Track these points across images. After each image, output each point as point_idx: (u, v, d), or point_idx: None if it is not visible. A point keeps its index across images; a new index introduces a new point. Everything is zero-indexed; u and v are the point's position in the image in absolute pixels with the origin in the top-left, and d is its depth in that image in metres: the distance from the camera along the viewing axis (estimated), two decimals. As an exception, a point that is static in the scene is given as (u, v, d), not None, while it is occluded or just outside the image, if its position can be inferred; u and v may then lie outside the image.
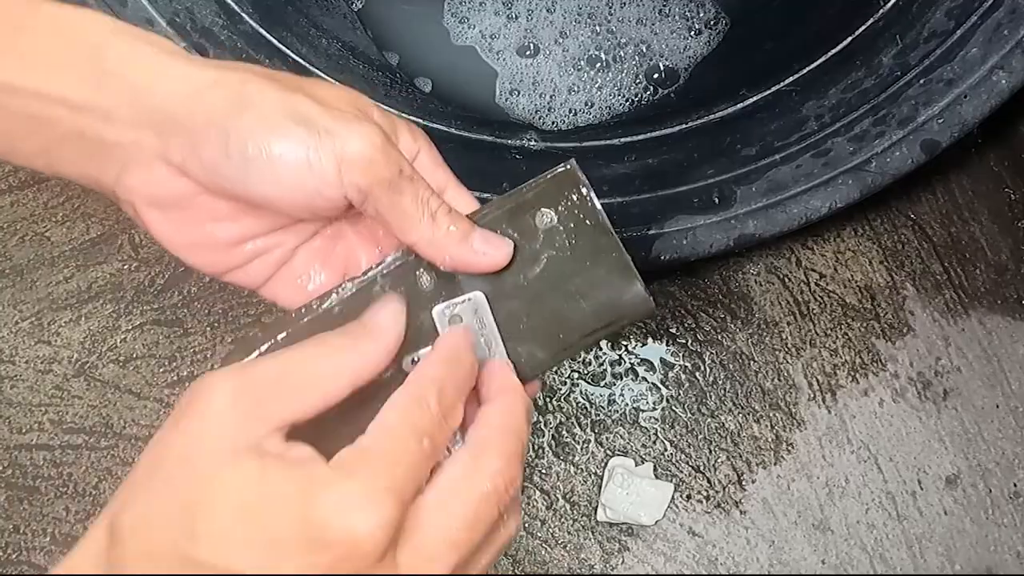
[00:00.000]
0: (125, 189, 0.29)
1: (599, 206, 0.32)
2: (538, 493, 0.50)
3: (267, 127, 0.27)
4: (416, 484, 0.25)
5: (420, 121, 0.57)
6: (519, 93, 0.61)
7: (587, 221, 0.32)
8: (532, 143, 0.58)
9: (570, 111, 0.60)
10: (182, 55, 0.29)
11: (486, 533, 0.26)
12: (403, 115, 0.56)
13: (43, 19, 0.28)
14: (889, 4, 0.54)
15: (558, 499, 0.50)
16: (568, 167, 0.33)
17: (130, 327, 0.54)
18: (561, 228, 0.32)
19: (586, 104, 0.61)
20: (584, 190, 0.33)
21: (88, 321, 0.54)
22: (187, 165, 0.28)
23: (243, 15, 0.54)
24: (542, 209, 0.33)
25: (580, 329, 0.32)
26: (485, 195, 0.53)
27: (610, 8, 0.64)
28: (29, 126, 0.28)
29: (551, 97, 0.61)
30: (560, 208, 0.33)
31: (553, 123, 0.60)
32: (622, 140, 0.57)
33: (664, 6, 0.64)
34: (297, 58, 0.55)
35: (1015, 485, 0.51)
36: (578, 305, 0.32)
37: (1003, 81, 0.49)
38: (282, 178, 0.28)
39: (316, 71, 0.55)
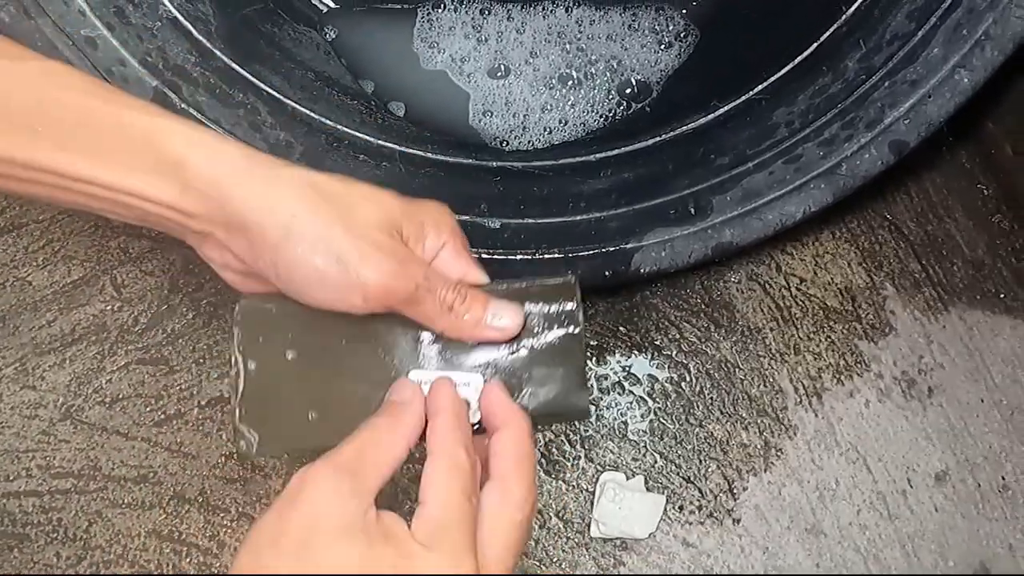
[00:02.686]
0: (203, 256, 0.37)
1: (583, 320, 0.38)
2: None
3: (308, 264, 0.34)
4: (474, 531, 0.31)
5: (396, 147, 0.57)
6: (492, 114, 0.61)
7: (568, 329, 0.38)
8: (508, 164, 0.58)
9: (544, 129, 0.61)
10: (245, 167, 0.35)
11: (521, 550, 0.32)
12: (379, 141, 0.57)
13: (126, 127, 0.34)
14: (852, 9, 0.55)
15: (551, 517, 0.50)
16: (571, 280, 0.39)
17: (115, 368, 0.54)
18: (545, 324, 0.38)
19: (560, 122, 0.61)
20: (576, 303, 0.38)
21: (73, 364, 0.54)
22: (247, 262, 0.35)
23: (215, 51, 0.55)
24: (537, 304, 0.38)
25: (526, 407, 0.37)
26: (463, 217, 0.54)
27: (579, 26, 0.65)
28: (117, 209, 0.35)
29: (524, 117, 0.61)
30: (551, 310, 0.38)
31: (528, 142, 0.60)
32: (597, 156, 0.58)
33: (633, 21, 0.65)
34: (272, 91, 0.56)
35: (1003, 478, 0.51)
36: (531, 390, 0.38)
37: (965, 80, 0.50)
38: (320, 300, 0.35)
39: (290, 102, 0.56)
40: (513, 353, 0.38)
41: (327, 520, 0.29)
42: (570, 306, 0.38)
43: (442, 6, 0.65)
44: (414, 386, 0.36)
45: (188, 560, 0.48)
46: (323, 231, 0.34)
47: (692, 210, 0.53)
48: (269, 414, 0.36)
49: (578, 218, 0.54)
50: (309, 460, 0.31)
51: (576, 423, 0.52)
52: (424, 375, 0.37)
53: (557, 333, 0.38)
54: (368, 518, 0.30)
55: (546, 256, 0.53)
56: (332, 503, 0.30)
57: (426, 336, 0.37)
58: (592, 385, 0.54)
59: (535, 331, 0.38)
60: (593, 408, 0.53)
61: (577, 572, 0.48)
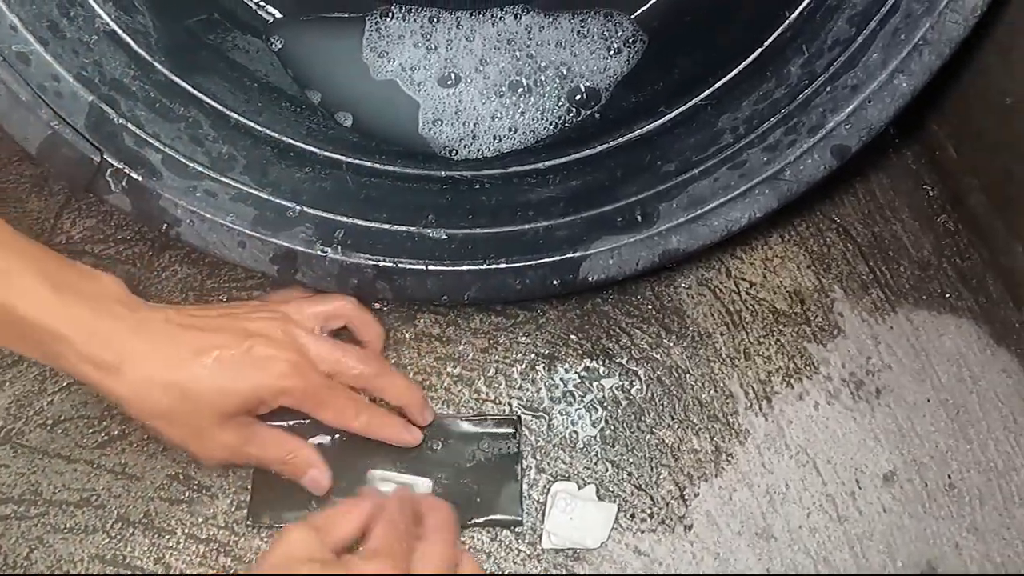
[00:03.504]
0: None
1: (520, 447, 0.51)
2: (480, 526, 0.49)
3: (205, 423, 0.45)
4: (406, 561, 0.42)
5: (343, 157, 0.57)
6: (442, 123, 0.61)
7: (508, 451, 0.51)
8: (457, 173, 0.58)
9: (494, 138, 0.61)
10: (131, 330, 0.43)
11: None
12: (325, 152, 0.56)
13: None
14: (795, 15, 0.55)
15: (502, 530, 0.49)
16: (517, 416, 0.52)
17: (56, 389, 0.53)
18: (489, 446, 0.51)
19: (510, 130, 0.61)
20: (516, 431, 0.51)
21: (12, 386, 0.53)
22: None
23: (155, 64, 0.54)
24: (484, 428, 0.51)
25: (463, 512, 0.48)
26: (410, 228, 0.53)
27: (529, 33, 0.64)
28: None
29: (475, 125, 0.61)
30: (495, 433, 0.51)
31: (478, 151, 0.60)
32: (546, 163, 0.58)
33: (582, 27, 0.64)
34: (214, 103, 0.55)
35: (949, 477, 0.51)
36: (473, 497, 0.49)
37: (904, 84, 0.50)
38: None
39: (234, 114, 0.55)
40: (463, 465, 0.50)
41: (296, 554, 0.39)
42: (510, 430, 0.51)
43: (391, 15, 0.64)
44: (376, 488, 0.49)
45: (133, 584, 0.47)
46: (217, 392, 0.44)
47: (639, 217, 0.53)
48: (279, 504, 0.49)
49: (526, 227, 0.54)
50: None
51: (521, 449, 0.52)
52: (387, 475, 0.50)
53: (500, 454, 0.50)
54: (328, 556, 0.40)
55: (493, 266, 0.52)
56: (300, 546, 0.40)
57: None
58: (543, 396, 0.53)
59: (482, 450, 0.51)
60: (545, 418, 0.53)
61: (529, 584, 0.48)
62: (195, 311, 0.47)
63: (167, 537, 0.49)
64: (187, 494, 0.50)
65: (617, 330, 0.56)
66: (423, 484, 0.49)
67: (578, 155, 0.58)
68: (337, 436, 0.50)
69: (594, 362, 0.55)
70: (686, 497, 0.51)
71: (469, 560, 0.45)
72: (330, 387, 0.47)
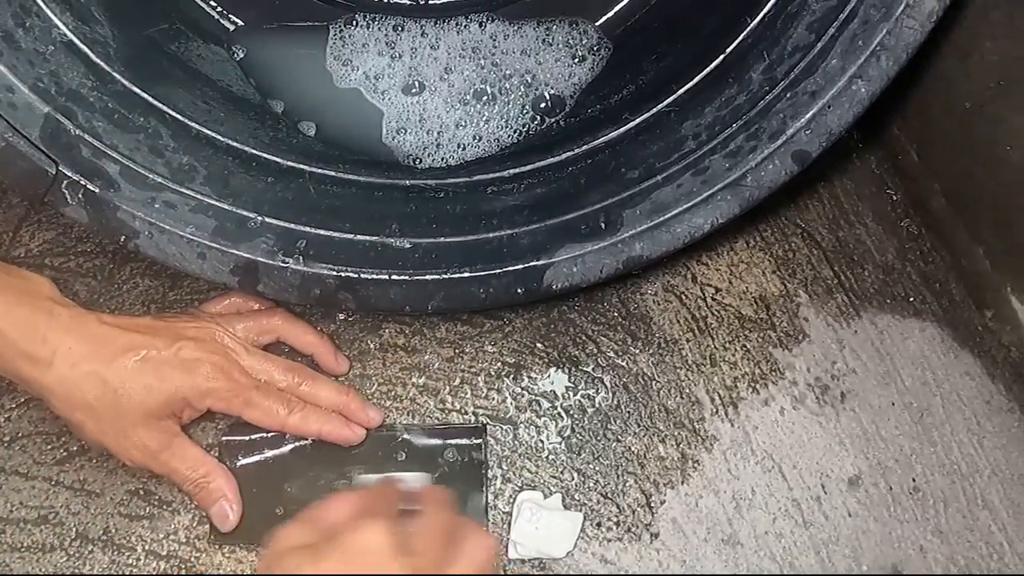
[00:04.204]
0: None
1: (485, 456, 0.51)
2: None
3: (127, 421, 0.45)
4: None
5: (306, 167, 0.56)
6: (406, 131, 0.61)
7: (473, 460, 0.51)
8: (421, 181, 0.57)
9: (458, 146, 0.60)
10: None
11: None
12: (288, 162, 0.56)
13: None
14: (756, 21, 0.55)
15: (467, 540, 0.49)
16: (482, 425, 0.52)
17: (14, 405, 0.52)
18: (455, 455, 0.51)
19: (474, 138, 0.61)
20: (482, 441, 0.51)
21: (-31, 402, 0.52)
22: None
23: (113, 74, 0.53)
24: (451, 439, 0.51)
25: None
26: (373, 238, 0.53)
27: (494, 41, 0.64)
28: None
29: (439, 133, 0.61)
30: (461, 443, 0.51)
31: (442, 159, 0.60)
32: (511, 171, 0.58)
33: (547, 35, 0.64)
34: (174, 113, 0.54)
35: (914, 480, 0.52)
36: None
37: (862, 89, 0.50)
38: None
39: (195, 124, 0.54)
40: (428, 475, 0.50)
41: (288, 543, 0.39)
42: (476, 440, 0.51)
43: (354, 23, 0.64)
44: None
45: (91, 603, 0.47)
46: (143, 386, 0.45)
47: (603, 224, 0.53)
48: (242, 518, 0.48)
49: (490, 235, 0.54)
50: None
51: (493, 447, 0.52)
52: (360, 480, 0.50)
53: (465, 463, 0.50)
54: (319, 539, 0.39)
55: (457, 275, 0.52)
56: (292, 536, 0.39)
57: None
58: (508, 405, 0.53)
59: (447, 460, 0.50)
60: (511, 428, 0.52)
61: (495, 595, 0.48)
62: (129, 316, 0.49)
63: (127, 554, 0.48)
64: (148, 510, 0.49)
65: (583, 337, 0.56)
66: (420, 479, 0.50)
67: (542, 163, 0.57)
68: (305, 444, 0.50)
69: (560, 370, 0.54)
70: (652, 505, 0.51)
71: None
72: (257, 388, 0.48)
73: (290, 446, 0.50)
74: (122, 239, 0.50)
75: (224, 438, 0.50)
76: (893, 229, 0.60)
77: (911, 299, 0.58)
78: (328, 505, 0.43)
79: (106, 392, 0.44)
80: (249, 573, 0.48)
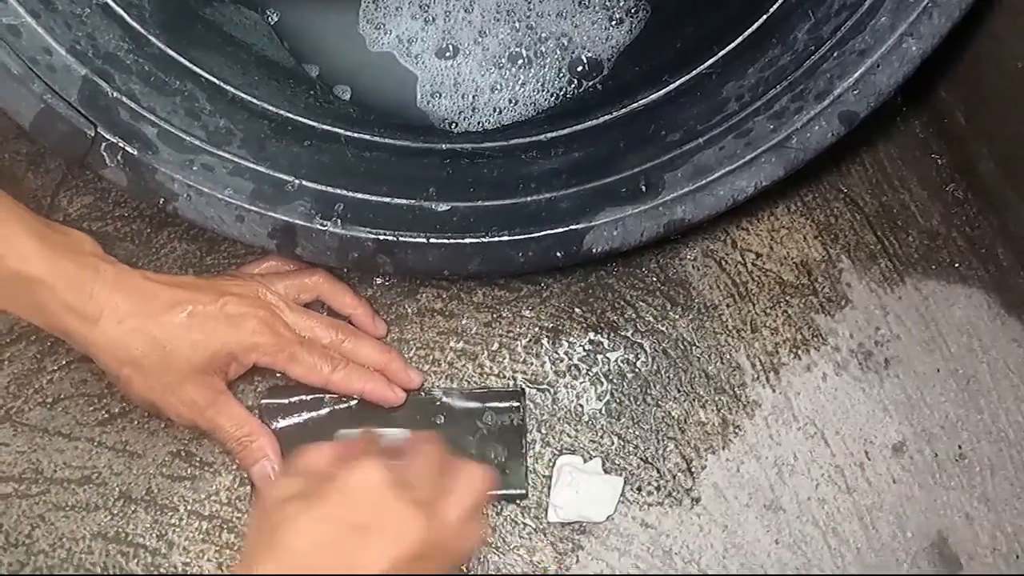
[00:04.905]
0: None
1: (525, 419, 0.51)
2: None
3: (174, 377, 0.46)
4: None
5: (342, 131, 0.56)
6: (441, 95, 0.60)
7: (513, 423, 0.50)
8: (457, 145, 0.57)
9: (494, 110, 0.60)
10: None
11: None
12: (323, 126, 0.55)
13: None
14: (801, -21, 0.54)
15: (507, 504, 0.49)
16: (521, 389, 0.52)
17: (56, 367, 0.52)
18: (495, 419, 0.50)
19: (510, 102, 0.60)
20: (521, 404, 0.51)
21: (11, 365, 0.52)
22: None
23: (149, 37, 0.53)
24: (491, 403, 0.51)
25: None
26: (411, 201, 0.52)
27: (529, 4, 0.63)
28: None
29: (474, 97, 0.60)
30: (500, 407, 0.51)
31: (478, 123, 0.59)
32: (548, 135, 0.57)
33: (583, -3, 0.63)
34: (210, 77, 0.54)
35: (959, 447, 0.51)
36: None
37: (913, 48, 0.49)
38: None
39: (230, 88, 0.54)
40: (469, 436, 0.50)
41: (278, 496, 0.39)
42: (515, 403, 0.51)
43: (388, -14, 0.63)
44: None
45: (136, 561, 0.47)
46: (185, 333, 0.45)
47: (643, 188, 0.52)
48: None
49: (528, 199, 0.53)
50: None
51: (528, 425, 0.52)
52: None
53: (504, 426, 0.50)
54: (307, 488, 0.39)
55: (496, 239, 0.52)
56: (280, 489, 0.40)
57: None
58: (548, 370, 0.53)
59: (486, 423, 0.50)
60: (550, 392, 0.52)
61: (534, 558, 0.48)
62: (171, 275, 0.49)
63: (170, 514, 0.48)
64: (189, 471, 0.49)
65: (622, 303, 0.55)
66: (399, 434, 0.50)
67: (580, 126, 0.57)
68: (345, 406, 0.50)
69: (599, 335, 0.54)
70: (693, 470, 0.50)
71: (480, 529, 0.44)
72: (302, 343, 0.48)
73: (328, 409, 0.50)
74: (161, 201, 0.50)
75: (263, 401, 0.50)
76: (938, 194, 0.59)
77: (957, 265, 0.56)
78: (310, 455, 0.43)
79: (153, 348, 0.44)
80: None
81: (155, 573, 0.46)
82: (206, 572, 0.47)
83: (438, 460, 0.42)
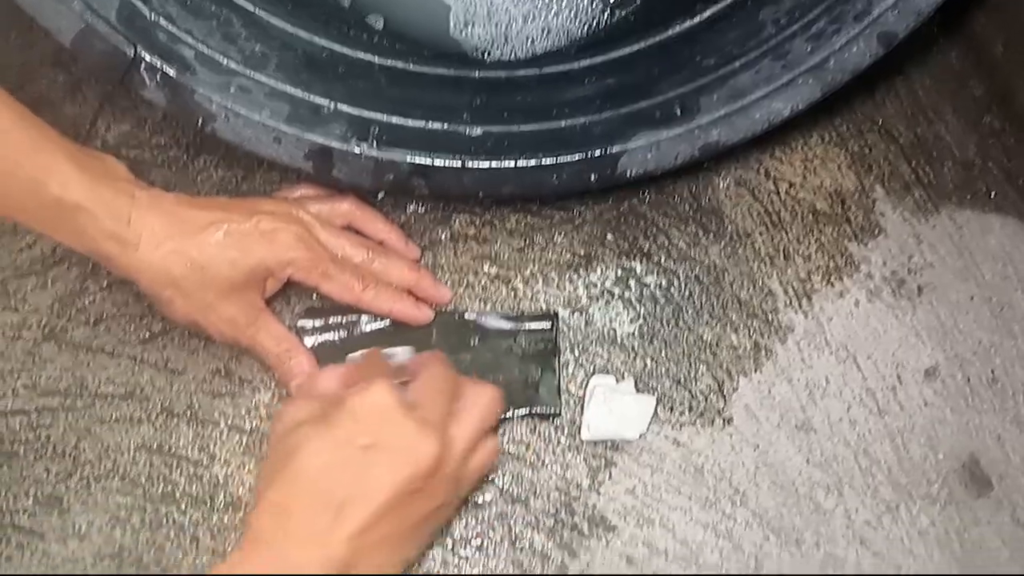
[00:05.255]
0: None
1: (557, 340, 0.51)
2: (520, 418, 0.50)
3: (214, 296, 0.47)
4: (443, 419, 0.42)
5: (375, 60, 0.56)
6: (474, 25, 0.60)
7: (547, 345, 0.51)
8: (490, 74, 0.57)
9: (527, 39, 0.59)
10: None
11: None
12: (357, 54, 0.56)
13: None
14: (838, -99, 0.53)
15: (541, 422, 0.50)
16: (554, 312, 0.52)
17: (98, 288, 0.53)
18: (528, 339, 0.51)
19: (543, 31, 0.60)
20: (554, 326, 0.51)
21: (55, 285, 0.53)
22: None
23: (185, -37, 0.53)
24: (524, 324, 0.52)
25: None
26: (446, 126, 0.53)
27: (561, -66, 0.63)
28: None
29: (507, 27, 0.60)
30: (533, 328, 0.51)
31: (511, 52, 0.59)
32: (581, 64, 0.57)
33: (616, -73, 0.63)
34: (244, 3, 0.54)
35: (992, 372, 0.51)
36: (515, 385, 0.50)
37: (955, -35, 0.48)
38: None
39: (265, 15, 0.54)
40: (504, 357, 0.50)
41: (291, 419, 0.41)
42: (548, 325, 0.51)
43: (420, -84, 0.63)
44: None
45: (179, 472, 0.48)
46: (224, 252, 0.46)
47: (678, 111, 0.52)
48: None
49: (563, 124, 0.53)
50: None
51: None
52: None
53: (538, 348, 0.51)
54: (320, 412, 0.41)
55: (531, 162, 0.52)
56: (292, 414, 0.42)
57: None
58: (580, 294, 0.53)
59: (520, 345, 0.51)
60: (583, 316, 0.53)
61: (567, 474, 0.48)
62: (203, 197, 0.49)
63: (211, 428, 0.49)
64: (229, 387, 0.50)
65: (654, 230, 0.55)
66: (405, 352, 0.51)
67: (614, 55, 0.56)
68: (379, 326, 0.51)
69: (631, 261, 0.54)
70: (725, 391, 0.51)
71: (494, 447, 0.45)
72: (335, 261, 0.49)
73: (362, 329, 0.51)
74: (199, 122, 0.50)
75: (299, 322, 0.51)
76: (974, 124, 0.58)
77: (992, 195, 0.56)
78: (320, 378, 0.44)
79: (192, 269, 0.45)
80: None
81: (169, 574, 0.47)
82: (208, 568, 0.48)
83: (446, 380, 0.43)
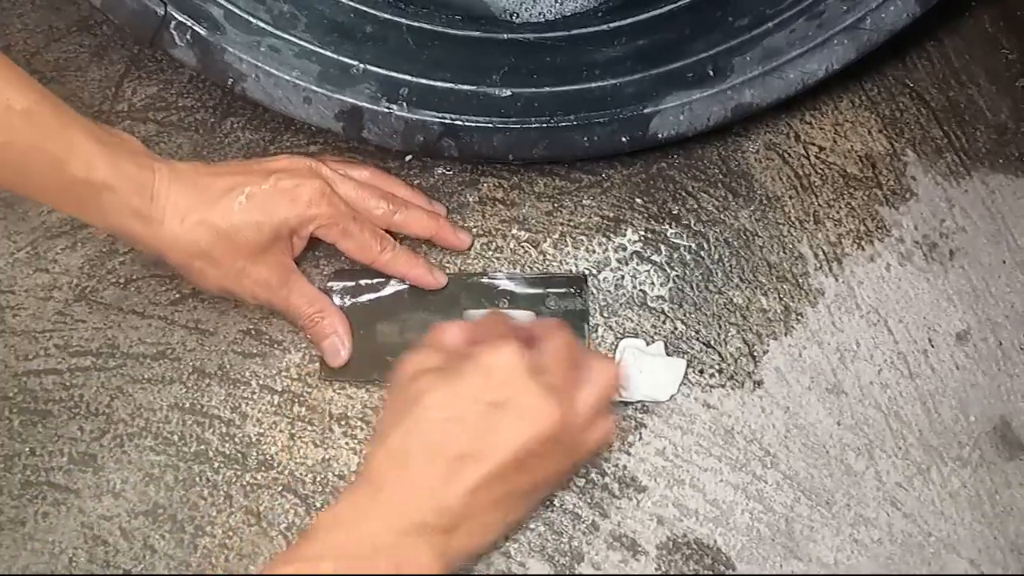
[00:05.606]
0: None
1: (587, 303, 0.51)
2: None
3: (243, 261, 0.46)
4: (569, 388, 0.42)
5: (403, 21, 0.55)
6: (502, -13, 0.59)
7: (575, 307, 0.51)
8: (519, 36, 0.56)
9: (555, 1, 0.59)
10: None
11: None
12: (385, 15, 0.55)
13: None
14: None
15: (572, 382, 0.50)
16: (583, 274, 0.52)
17: (127, 249, 0.53)
18: (558, 302, 0.51)
19: (571, -7, 0.59)
20: (583, 289, 0.51)
21: (84, 247, 0.53)
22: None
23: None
24: (553, 288, 0.52)
25: None
26: (475, 87, 0.52)
27: None
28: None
29: (535, -11, 0.59)
30: (563, 291, 0.51)
31: (540, 14, 0.58)
32: (611, 25, 0.56)
33: None
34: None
35: (1025, 336, 0.51)
36: None
37: (997, -78, 0.48)
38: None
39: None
40: (535, 313, 0.50)
41: (414, 368, 0.42)
42: (577, 288, 0.51)
43: None
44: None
45: (211, 431, 0.48)
46: (248, 215, 0.45)
47: (711, 72, 0.51)
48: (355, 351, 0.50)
49: (593, 85, 0.53)
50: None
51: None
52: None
53: (567, 311, 0.51)
54: (443, 362, 0.41)
55: (561, 124, 0.52)
56: (416, 361, 0.42)
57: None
58: (609, 257, 0.53)
59: (549, 307, 0.51)
60: (612, 278, 0.52)
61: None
62: (218, 164, 0.48)
63: (242, 388, 0.50)
64: (260, 348, 0.51)
65: (683, 194, 0.55)
66: (526, 316, 0.50)
67: (644, 15, 0.56)
68: (405, 290, 0.51)
69: (661, 225, 0.54)
70: (755, 354, 0.50)
71: (611, 424, 0.44)
72: (355, 219, 0.48)
73: (391, 291, 0.51)
74: (230, 82, 0.50)
75: (329, 283, 0.51)
76: (1008, 89, 0.58)
77: (1025, 159, 0.56)
78: (444, 331, 0.44)
79: (219, 237, 0.45)
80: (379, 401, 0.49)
81: (179, 574, 0.47)
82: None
83: (572, 349, 0.42)
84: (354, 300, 0.51)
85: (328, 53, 0.51)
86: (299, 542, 0.37)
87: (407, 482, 0.38)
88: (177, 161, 0.46)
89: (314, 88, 0.50)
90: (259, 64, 0.50)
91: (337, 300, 0.51)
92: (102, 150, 0.43)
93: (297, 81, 0.50)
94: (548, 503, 0.47)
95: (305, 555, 0.36)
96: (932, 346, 0.51)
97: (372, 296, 0.51)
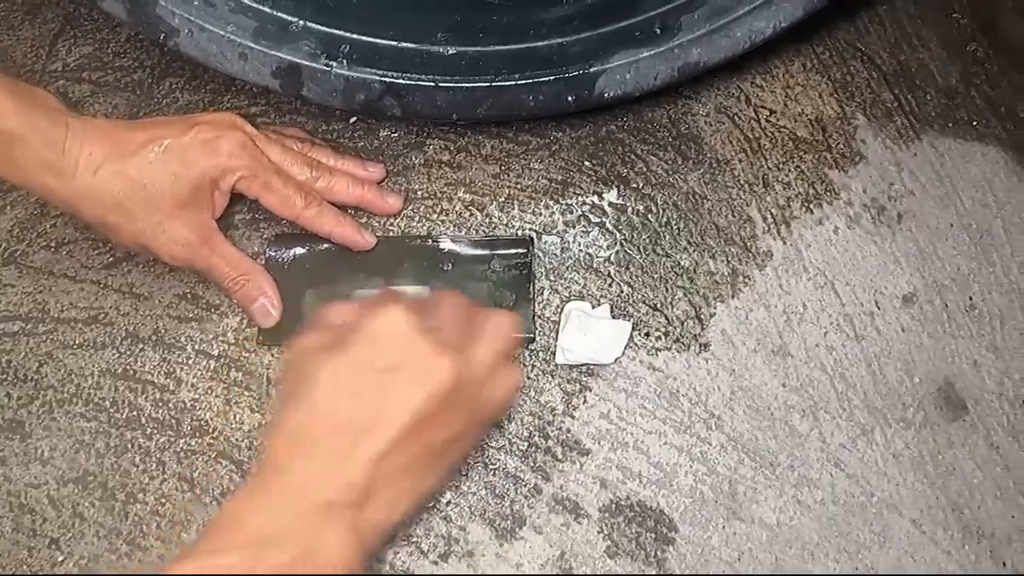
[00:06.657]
0: None
1: (532, 266, 0.50)
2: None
3: (161, 214, 0.45)
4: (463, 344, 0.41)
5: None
6: (449, -55, 0.58)
7: (521, 271, 0.50)
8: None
9: (504, -40, 0.57)
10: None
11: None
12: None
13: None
14: None
15: (516, 348, 0.49)
16: (529, 237, 0.51)
17: (58, 212, 0.51)
18: (503, 265, 0.50)
19: (520, -47, 0.58)
20: (528, 251, 0.50)
21: (14, 209, 0.52)
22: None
23: None
24: (499, 250, 0.50)
25: None
26: (419, 45, 0.51)
27: None
28: None
29: (483, -52, 0.58)
30: (508, 253, 0.50)
31: (487, -26, 0.57)
32: (560, -15, 0.55)
33: None
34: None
35: (970, 298, 0.50)
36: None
37: None
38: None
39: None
40: (477, 282, 0.49)
41: (306, 346, 0.40)
42: (523, 250, 0.50)
43: None
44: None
45: (144, 397, 0.47)
46: (166, 169, 0.44)
47: (658, 30, 0.50)
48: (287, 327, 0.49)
49: (539, 44, 0.52)
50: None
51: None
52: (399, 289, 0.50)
53: (512, 273, 0.50)
54: (333, 339, 0.39)
55: (506, 83, 0.50)
56: (309, 341, 0.40)
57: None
58: (556, 220, 0.52)
59: (495, 269, 0.50)
60: (558, 241, 0.52)
61: (543, 399, 0.48)
62: (140, 119, 0.47)
63: (177, 352, 0.48)
64: (196, 312, 0.49)
65: (632, 156, 0.54)
66: (421, 291, 0.49)
67: (593, -25, 0.55)
68: (350, 253, 0.50)
69: (609, 188, 0.53)
70: (702, 317, 0.50)
71: (514, 377, 0.42)
72: (278, 173, 0.47)
73: (332, 255, 0.50)
74: (162, 37, 0.49)
75: (268, 250, 0.50)
76: (958, 53, 0.58)
77: (974, 123, 0.55)
78: (333, 310, 0.43)
79: (134, 188, 0.43)
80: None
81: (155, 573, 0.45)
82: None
83: (462, 306, 0.41)
84: (293, 264, 0.50)
85: (265, 9, 0.50)
86: (202, 536, 0.35)
87: (307, 462, 0.36)
88: (94, 117, 0.45)
89: (250, 44, 0.49)
90: (192, 18, 0.48)
91: (277, 266, 0.50)
92: (14, 102, 0.41)
93: (232, 37, 0.49)
94: (487, 466, 0.46)
95: (208, 548, 0.34)
96: (878, 308, 0.50)
97: (312, 261, 0.50)
